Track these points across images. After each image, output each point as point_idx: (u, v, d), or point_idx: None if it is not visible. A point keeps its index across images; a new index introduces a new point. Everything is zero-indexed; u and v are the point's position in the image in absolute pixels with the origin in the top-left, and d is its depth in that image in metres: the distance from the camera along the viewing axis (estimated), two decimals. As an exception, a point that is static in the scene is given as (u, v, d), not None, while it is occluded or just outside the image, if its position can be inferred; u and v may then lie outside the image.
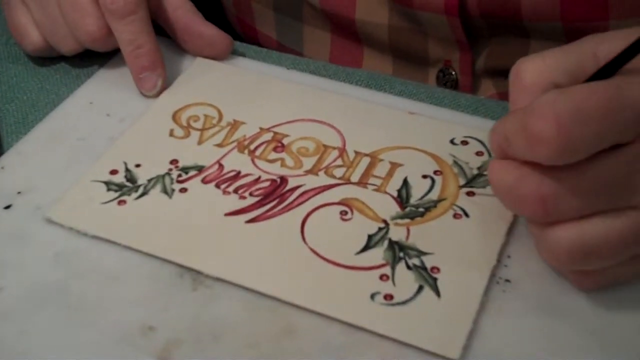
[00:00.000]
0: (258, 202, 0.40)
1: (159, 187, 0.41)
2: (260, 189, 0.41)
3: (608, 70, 0.32)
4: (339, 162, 0.42)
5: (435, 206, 0.40)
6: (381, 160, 0.42)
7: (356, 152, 0.43)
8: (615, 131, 0.31)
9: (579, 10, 0.49)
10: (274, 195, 0.41)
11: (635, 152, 0.32)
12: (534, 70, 0.34)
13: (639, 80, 0.32)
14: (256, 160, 0.43)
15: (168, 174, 0.42)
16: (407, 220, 0.39)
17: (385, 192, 0.41)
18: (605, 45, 0.34)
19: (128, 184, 0.41)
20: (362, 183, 0.41)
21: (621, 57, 0.32)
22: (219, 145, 0.44)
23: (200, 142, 0.44)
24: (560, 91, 0.32)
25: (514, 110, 0.34)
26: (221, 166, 0.42)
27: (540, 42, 0.51)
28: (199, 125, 0.45)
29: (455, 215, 0.39)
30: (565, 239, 0.33)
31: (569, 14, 0.49)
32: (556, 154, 0.31)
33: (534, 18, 0.49)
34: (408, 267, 0.37)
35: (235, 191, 0.41)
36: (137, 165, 0.42)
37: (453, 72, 0.54)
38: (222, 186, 0.41)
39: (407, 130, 0.44)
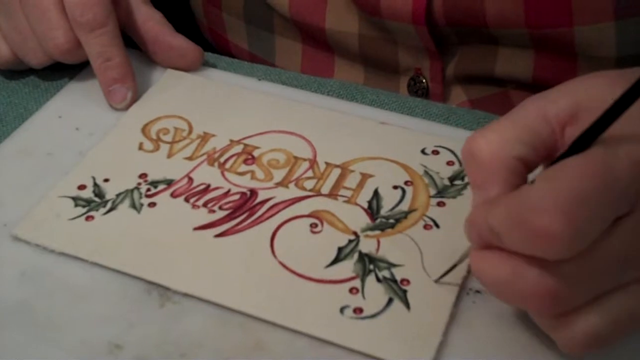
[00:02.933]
0: (227, 215, 0.40)
1: (127, 201, 0.41)
2: (229, 202, 0.41)
3: (584, 141, 0.31)
4: (310, 173, 0.42)
5: (405, 217, 0.40)
6: (352, 171, 0.42)
7: (327, 164, 0.43)
8: (614, 207, 0.30)
9: (543, 17, 0.49)
10: (244, 209, 0.40)
11: (632, 223, 0.30)
12: (488, 147, 0.32)
13: (622, 149, 0.30)
14: (226, 173, 0.42)
15: (137, 188, 0.42)
16: (377, 232, 0.39)
17: (356, 204, 0.40)
18: (552, 107, 0.32)
19: (96, 199, 0.41)
20: (332, 195, 0.41)
21: (597, 126, 0.30)
22: (189, 159, 0.43)
23: (169, 156, 0.44)
24: (549, 178, 0.30)
25: (492, 202, 0.31)
26: (190, 180, 0.42)
27: (509, 48, 0.51)
28: (168, 138, 0.45)
29: (426, 227, 0.39)
30: (582, 333, 0.31)
31: (533, 20, 0.49)
32: (567, 247, 0.29)
33: (500, 25, 0.49)
34: (378, 279, 0.37)
35: (205, 205, 0.41)
36: (106, 180, 0.42)
37: (424, 80, 0.54)
38: (191, 200, 0.41)
39: (378, 140, 0.44)
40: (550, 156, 0.33)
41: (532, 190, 0.30)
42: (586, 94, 0.32)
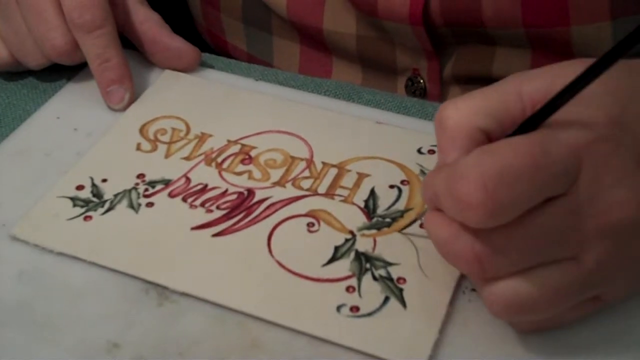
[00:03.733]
0: (225, 215, 0.40)
1: (125, 202, 0.41)
2: (227, 202, 0.41)
3: (533, 122, 0.32)
4: (307, 173, 0.42)
5: (401, 216, 0.40)
6: (348, 170, 0.42)
7: (324, 163, 0.43)
8: (543, 188, 0.31)
9: (540, 17, 0.49)
10: (241, 208, 0.41)
11: (565, 205, 0.31)
12: (456, 115, 0.33)
13: (564, 134, 0.31)
14: (223, 173, 0.43)
15: (134, 188, 0.42)
16: (373, 231, 0.39)
17: (353, 203, 0.41)
18: (529, 85, 0.33)
19: (94, 199, 0.41)
20: (329, 194, 0.41)
21: (546, 109, 0.31)
22: (186, 159, 0.44)
23: (167, 156, 0.44)
24: (484, 151, 0.31)
25: (441, 167, 0.33)
26: (188, 180, 0.42)
27: (506, 49, 0.52)
28: (166, 138, 0.45)
29: (422, 225, 0.39)
30: (502, 295, 0.32)
31: (530, 20, 0.49)
32: (485, 218, 0.30)
33: (497, 25, 0.50)
34: (374, 278, 0.37)
35: (202, 205, 0.41)
36: (104, 180, 0.42)
37: (421, 80, 0.54)
38: (189, 200, 0.41)
39: (374, 140, 0.44)
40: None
41: (464, 160, 0.31)
42: (562, 78, 0.32)
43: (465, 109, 0.33)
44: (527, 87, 0.33)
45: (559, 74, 0.33)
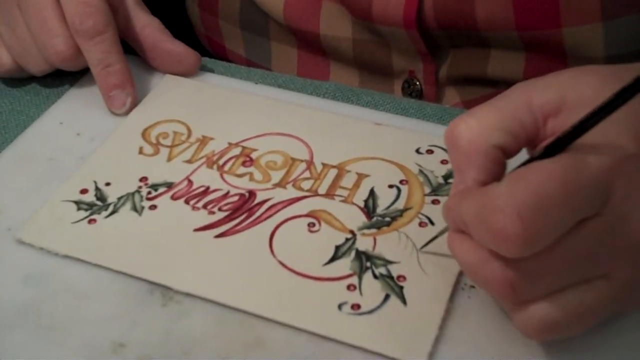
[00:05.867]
0: (227, 216, 0.41)
1: (128, 204, 0.42)
2: (229, 203, 0.42)
3: (560, 144, 0.31)
4: (307, 174, 0.43)
5: (401, 215, 0.40)
6: (348, 171, 0.43)
7: (324, 164, 0.44)
8: (577, 212, 0.30)
9: (532, 19, 0.49)
10: (243, 210, 0.41)
11: (598, 226, 0.31)
12: (469, 133, 0.33)
13: (593, 156, 0.31)
14: (225, 175, 0.43)
15: (138, 191, 0.42)
16: (373, 230, 0.40)
17: (352, 203, 0.41)
18: (539, 96, 0.33)
19: (98, 202, 0.42)
20: (329, 195, 0.42)
21: (574, 131, 0.31)
22: (188, 162, 0.44)
23: (169, 159, 0.44)
24: (516, 179, 0.30)
25: (469, 192, 0.32)
26: (190, 182, 0.43)
27: (500, 51, 0.52)
28: (168, 142, 0.46)
29: (421, 224, 0.40)
30: (535, 319, 0.32)
31: (523, 23, 0.50)
32: (521, 249, 0.30)
33: (490, 28, 0.50)
34: (375, 276, 0.38)
35: (204, 207, 0.41)
36: (107, 184, 0.43)
37: (417, 82, 0.55)
38: (192, 202, 0.42)
39: (373, 141, 0.45)
40: (531, 144, 0.34)
41: (496, 190, 0.31)
42: (574, 91, 0.32)
43: (478, 126, 0.33)
44: (538, 99, 0.33)
45: (569, 85, 0.33)
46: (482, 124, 0.33)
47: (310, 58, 0.57)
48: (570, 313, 0.32)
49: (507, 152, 0.33)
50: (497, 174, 0.33)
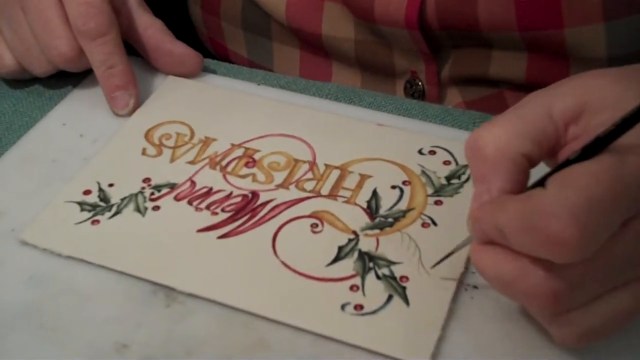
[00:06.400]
0: (230, 217, 0.41)
1: (132, 205, 0.42)
2: (232, 204, 0.42)
3: (597, 146, 0.31)
4: (310, 175, 0.43)
5: (404, 216, 0.41)
6: (351, 172, 0.43)
7: (326, 165, 0.44)
8: (623, 212, 0.30)
9: (534, 20, 0.50)
10: (246, 211, 0.41)
11: (638, 227, 0.31)
12: (495, 142, 0.32)
13: (631, 155, 0.31)
14: (228, 176, 0.43)
15: (141, 192, 0.43)
16: (376, 231, 0.40)
17: (355, 204, 0.41)
18: (559, 104, 0.33)
19: (101, 203, 0.42)
20: (332, 195, 0.42)
21: (611, 134, 0.31)
22: (191, 163, 0.44)
23: (172, 160, 0.45)
24: (565, 184, 0.30)
25: (506, 201, 0.32)
26: (193, 183, 0.43)
27: (502, 51, 0.52)
28: (171, 143, 0.46)
29: (424, 225, 0.40)
30: (575, 327, 0.32)
31: (524, 23, 0.50)
32: (578, 253, 0.30)
33: (492, 28, 0.50)
34: (378, 277, 0.38)
35: (207, 207, 0.41)
36: (110, 185, 0.43)
37: (420, 83, 0.55)
38: (195, 203, 0.42)
39: (376, 141, 0.45)
40: (553, 152, 0.34)
41: (545, 195, 0.30)
42: (593, 95, 0.32)
43: (503, 135, 0.33)
44: (558, 106, 0.33)
45: (586, 91, 0.33)
46: (508, 132, 0.33)
47: (313, 59, 0.58)
48: (609, 318, 0.32)
49: (532, 161, 0.33)
50: (522, 183, 0.33)
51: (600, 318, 0.31)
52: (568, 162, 0.31)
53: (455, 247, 0.37)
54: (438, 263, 0.38)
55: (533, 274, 0.31)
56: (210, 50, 0.64)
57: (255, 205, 0.42)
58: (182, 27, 0.58)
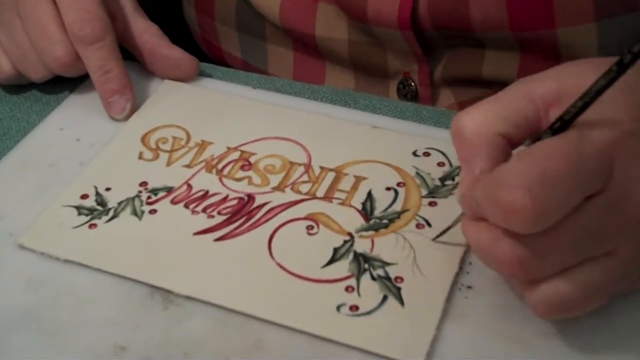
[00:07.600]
0: (226, 220, 0.41)
1: (129, 209, 0.42)
2: (228, 207, 0.42)
3: (563, 124, 0.32)
4: (305, 177, 0.44)
5: (398, 217, 0.41)
6: (346, 174, 0.44)
7: (321, 168, 0.44)
8: (583, 188, 0.31)
9: (526, 20, 0.50)
10: (242, 213, 0.42)
11: (603, 202, 0.32)
12: (473, 124, 0.34)
13: (594, 133, 0.32)
14: (224, 179, 0.44)
15: (138, 196, 0.43)
16: (371, 232, 0.40)
17: (350, 206, 0.42)
18: (540, 87, 0.34)
19: (99, 207, 0.42)
20: (327, 197, 0.42)
21: (575, 110, 0.32)
22: (188, 166, 0.45)
23: (169, 164, 0.45)
24: (522, 156, 0.32)
25: (479, 178, 0.33)
26: (190, 186, 0.43)
27: (495, 51, 0.53)
28: (167, 147, 0.46)
29: (418, 226, 0.40)
30: (544, 297, 0.33)
31: (517, 23, 0.50)
32: (531, 223, 0.31)
33: (485, 29, 0.51)
34: (373, 277, 0.38)
35: (204, 210, 0.42)
36: (108, 189, 0.43)
37: (412, 83, 0.55)
38: (191, 206, 0.42)
39: (370, 144, 0.45)
40: (535, 134, 0.34)
41: (504, 167, 0.32)
42: (572, 81, 0.33)
43: (481, 117, 0.34)
44: (539, 90, 0.34)
45: (567, 75, 0.34)
46: (484, 114, 0.34)
47: (306, 59, 0.58)
48: (578, 290, 0.33)
49: (511, 141, 0.34)
50: (503, 162, 0.34)
51: (570, 290, 0.32)
52: (537, 140, 0.33)
53: (455, 220, 0.38)
54: (440, 235, 0.39)
55: (502, 243, 0.32)
56: (205, 51, 0.64)
57: (251, 208, 0.42)
58: (176, 29, 0.58)
